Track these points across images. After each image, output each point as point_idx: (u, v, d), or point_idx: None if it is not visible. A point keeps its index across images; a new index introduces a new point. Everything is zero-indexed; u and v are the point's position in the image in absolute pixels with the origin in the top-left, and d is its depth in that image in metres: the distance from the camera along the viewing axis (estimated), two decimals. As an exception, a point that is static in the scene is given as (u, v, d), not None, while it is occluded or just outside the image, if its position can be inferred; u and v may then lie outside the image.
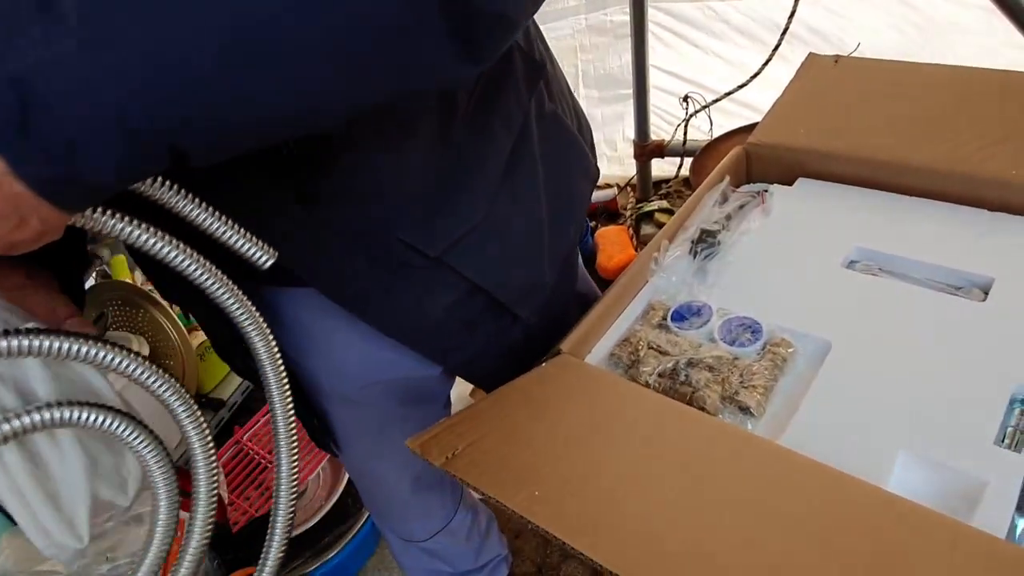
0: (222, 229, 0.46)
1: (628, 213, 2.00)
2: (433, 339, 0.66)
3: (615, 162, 2.07)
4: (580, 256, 0.87)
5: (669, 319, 0.71)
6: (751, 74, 1.63)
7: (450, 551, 1.01)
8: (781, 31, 1.55)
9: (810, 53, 0.98)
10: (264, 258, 0.48)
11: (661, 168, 1.99)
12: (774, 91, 0.96)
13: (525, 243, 0.66)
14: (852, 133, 0.85)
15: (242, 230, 0.47)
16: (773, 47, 1.58)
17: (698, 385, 0.64)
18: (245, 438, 1.42)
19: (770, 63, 1.60)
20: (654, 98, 1.86)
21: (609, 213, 2.03)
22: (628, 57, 1.78)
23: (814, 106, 0.91)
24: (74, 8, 0.33)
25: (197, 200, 0.46)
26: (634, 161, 1.96)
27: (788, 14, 1.52)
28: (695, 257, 0.77)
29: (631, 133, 1.93)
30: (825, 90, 0.92)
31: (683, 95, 1.80)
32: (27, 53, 0.33)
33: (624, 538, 0.46)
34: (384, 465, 0.86)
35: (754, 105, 1.74)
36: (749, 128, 1.38)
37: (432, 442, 0.55)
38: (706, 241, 0.77)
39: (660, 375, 0.66)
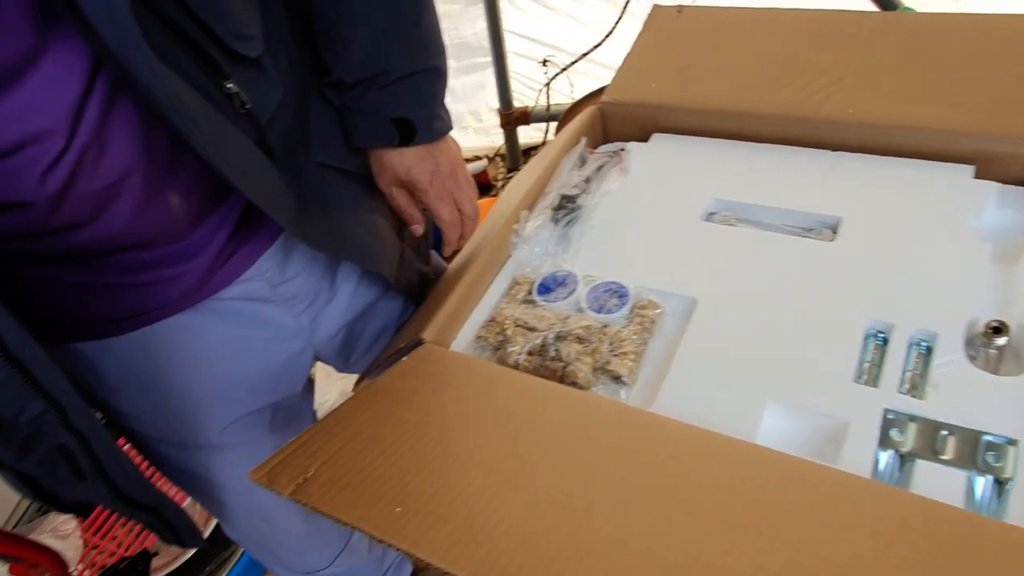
0: None
1: (499, 184, 1.97)
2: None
3: (481, 133, 2.02)
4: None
5: (535, 293, 0.68)
6: (605, 33, 1.62)
7: (354, 570, 0.93)
8: (631, -14, 1.55)
9: (654, 5, 0.96)
10: None
11: (528, 135, 1.96)
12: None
13: None
14: (700, 84, 0.84)
15: None
16: (624, 4, 1.58)
17: (569, 359, 0.61)
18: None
19: (623, 20, 1.59)
20: (513, 64, 1.82)
21: (481, 185, 1.98)
22: (482, 24, 1.72)
23: (662, 59, 0.89)
24: None
25: None
26: (501, 130, 1.92)
27: (634, -30, 1.52)
28: (556, 224, 0.74)
29: (494, 102, 1.88)
30: (672, 42, 0.91)
31: (542, 59, 1.77)
32: None
33: (499, 546, 0.43)
34: (269, 501, 0.76)
35: (613, 64, 1.73)
36: (607, 88, 1.36)
37: (280, 468, 0.49)
38: (566, 207, 0.74)
39: (529, 353, 0.63)
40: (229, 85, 0.49)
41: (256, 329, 0.65)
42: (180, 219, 0.54)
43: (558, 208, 0.75)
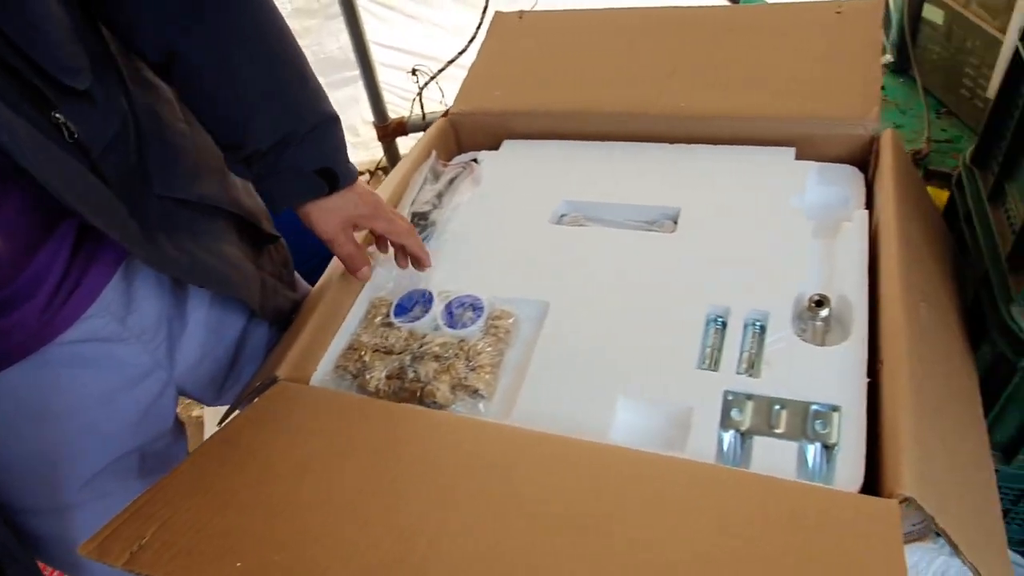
0: None
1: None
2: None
3: (360, 148, 1.99)
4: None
5: (392, 315, 0.67)
6: (468, 38, 1.63)
7: None
8: (486, -9, 1.56)
9: (496, 12, 0.97)
10: None
11: (407, 146, 1.94)
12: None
13: None
14: (544, 88, 0.85)
15: None
16: (483, 7, 1.59)
17: (427, 379, 0.61)
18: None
19: (483, 25, 1.60)
20: (383, 76, 1.80)
21: (366, 200, 1.95)
22: (346, 37, 1.69)
23: (507, 66, 0.90)
24: None
25: None
26: (379, 144, 1.89)
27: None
28: (412, 242, 0.73)
29: (369, 115, 1.85)
30: (515, 48, 0.92)
31: (411, 69, 1.75)
32: None
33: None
34: None
35: (481, 69, 1.75)
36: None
37: (113, 538, 0.46)
38: (419, 224, 0.74)
39: (388, 377, 0.62)
40: (57, 115, 0.49)
41: (109, 372, 0.61)
42: (4, 263, 0.50)
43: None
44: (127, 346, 0.62)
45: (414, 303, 0.67)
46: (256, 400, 0.59)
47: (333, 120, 0.61)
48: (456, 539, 0.44)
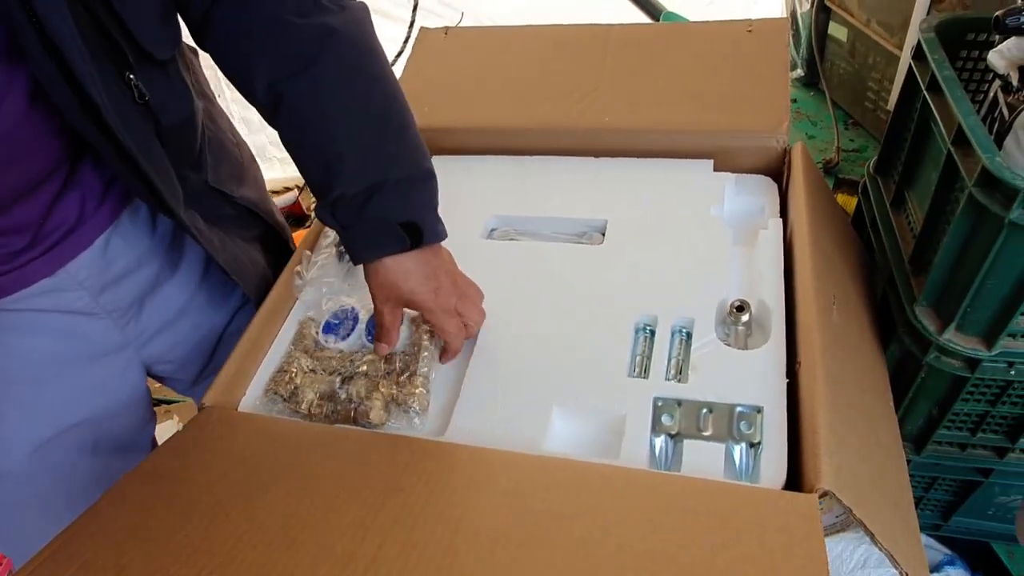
0: None
1: (314, 213, 1.91)
2: None
3: (288, 163, 1.94)
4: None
5: (320, 334, 0.66)
6: (395, 53, 1.63)
7: None
8: (413, 7, 1.56)
9: (421, 28, 0.97)
10: None
11: (338, 161, 1.91)
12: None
13: None
14: (471, 103, 0.86)
15: None
16: (409, 23, 1.59)
17: (358, 398, 0.60)
18: None
19: (410, 40, 1.61)
20: (310, 90, 1.77)
21: (295, 217, 1.91)
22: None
23: (434, 82, 0.90)
24: None
25: None
26: (308, 159, 1.86)
27: (415, -10, 1.54)
28: (341, 260, 0.72)
29: (296, 130, 1.82)
30: (442, 64, 0.93)
31: (339, 83, 1.74)
32: None
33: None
34: None
35: (410, 83, 1.75)
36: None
37: (27, 581, 0.43)
38: (349, 241, 0.73)
39: (321, 399, 0.61)
40: (131, 76, 0.52)
41: (72, 343, 0.63)
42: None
43: (340, 243, 0.73)
44: (97, 321, 0.64)
45: (340, 321, 0.66)
46: (181, 428, 0.57)
47: (428, 173, 0.59)
48: (395, 562, 0.43)
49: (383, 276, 0.58)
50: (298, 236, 1.87)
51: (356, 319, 0.65)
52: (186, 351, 0.73)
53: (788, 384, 0.55)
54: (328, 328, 0.66)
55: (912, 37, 1.02)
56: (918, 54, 0.68)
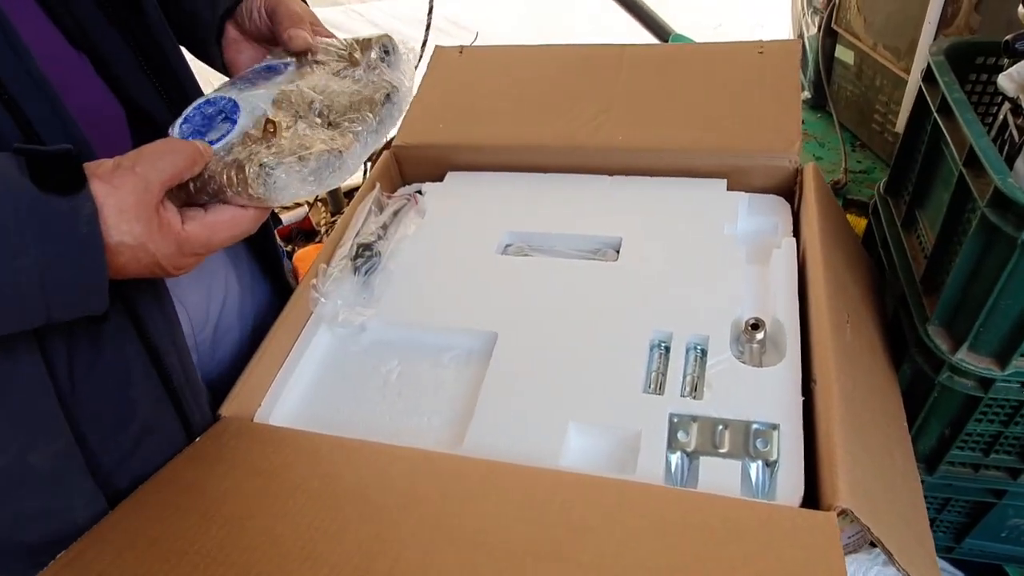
0: None
1: (323, 229, 1.92)
2: None
3: (298, 179, 1.96)
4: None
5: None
6: (407, 72, 1.65)
7: None
8: (425, 26, 1.59)
9: (436, 46, 0.99)
10: None
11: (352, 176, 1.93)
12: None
13: None
14: (485, 121, 0.87)
15: None
16: (421, 43, 1.61)
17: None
18: None
19: (423, 59, 1.63)
20: (321, 107, 1.79)
21: (304, 233, 1.92)
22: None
23: (449, 99, 0.92)
24: None
25: None
26: (318, 175, 1.88)
27: (427, 10, 1.56)
28: (357, 274, 0.73)
29: (307, 147, 1.84)
30: (456, 82, 0.94)
31: (349, 101, 1.75)
32: None
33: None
34: None
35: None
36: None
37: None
38: (364, 255, 0.74)
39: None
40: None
41: None
42: None
43: (356, 257, 0.73)
44: None
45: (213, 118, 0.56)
46: (198, 439, 0.57)
47: None
48: (413, 574, 0.43)
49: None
50: (307, 252, 1.87)
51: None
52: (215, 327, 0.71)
53: (803, 402, 0.55)
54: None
55: (921, 60, 1.03)
56: (928, 77, 0.69)
